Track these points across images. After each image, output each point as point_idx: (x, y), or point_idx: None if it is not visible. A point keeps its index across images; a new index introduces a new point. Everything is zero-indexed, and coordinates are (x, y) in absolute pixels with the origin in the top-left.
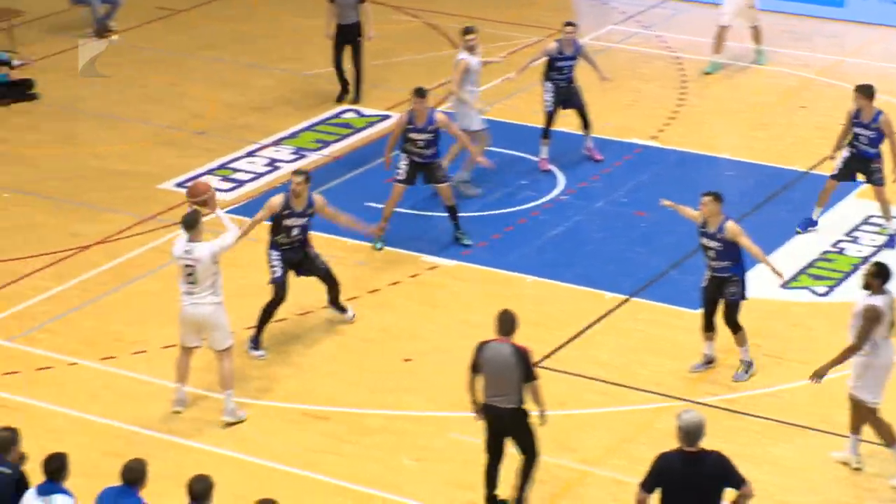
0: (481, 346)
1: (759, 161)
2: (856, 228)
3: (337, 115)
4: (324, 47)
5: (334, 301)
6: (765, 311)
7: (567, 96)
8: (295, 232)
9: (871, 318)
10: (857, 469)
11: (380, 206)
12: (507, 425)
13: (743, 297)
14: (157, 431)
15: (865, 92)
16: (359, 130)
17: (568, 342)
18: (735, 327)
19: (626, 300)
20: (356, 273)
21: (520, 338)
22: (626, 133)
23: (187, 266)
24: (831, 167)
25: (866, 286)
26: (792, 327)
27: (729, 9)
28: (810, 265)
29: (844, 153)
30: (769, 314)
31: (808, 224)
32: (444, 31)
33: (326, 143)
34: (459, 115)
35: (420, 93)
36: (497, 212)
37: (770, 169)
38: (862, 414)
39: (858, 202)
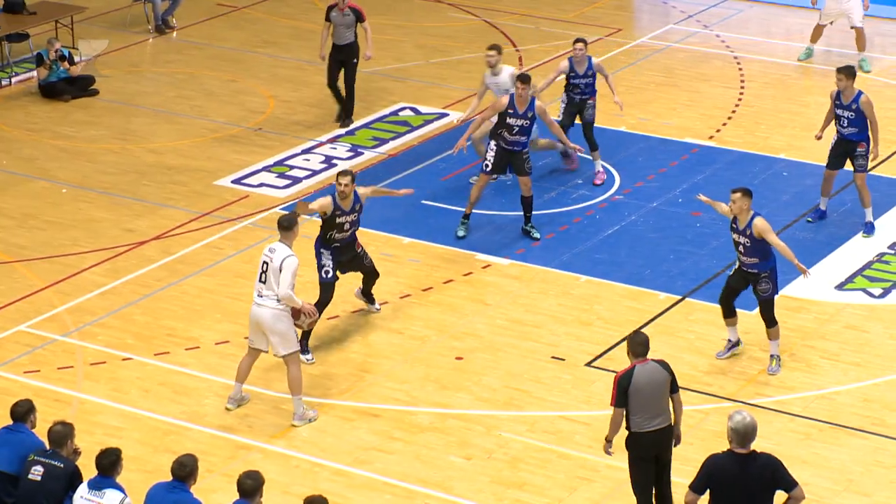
0: (627, 375)
1: (814, 161)
2: None
3: (394, 113)
4: (385, 44)
5: (367, 292)
6: (820, 313)
7: (581, 109)
8: (346, 227)
9: None
10: None
11: (436, 203)
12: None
13: (776, 292)
14: (209, 427)
15: (847, 72)
16: (415, 128)
17: (620, 342)
18: (770, 322)
19: (680, 300)
20: (410, 271)
21: (569, 337)
22: (684, 133)
23: (263, 263)
24: (885, 168)
25: None
26: (846, 329)
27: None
28: (866, 266)
29: (833, 140)
30: (824, 316)
31: (820, 215)
32: (503, 30)
33: (383, 141)
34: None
35: (524, 78)
36: (552, 211)
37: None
38: None
39: None
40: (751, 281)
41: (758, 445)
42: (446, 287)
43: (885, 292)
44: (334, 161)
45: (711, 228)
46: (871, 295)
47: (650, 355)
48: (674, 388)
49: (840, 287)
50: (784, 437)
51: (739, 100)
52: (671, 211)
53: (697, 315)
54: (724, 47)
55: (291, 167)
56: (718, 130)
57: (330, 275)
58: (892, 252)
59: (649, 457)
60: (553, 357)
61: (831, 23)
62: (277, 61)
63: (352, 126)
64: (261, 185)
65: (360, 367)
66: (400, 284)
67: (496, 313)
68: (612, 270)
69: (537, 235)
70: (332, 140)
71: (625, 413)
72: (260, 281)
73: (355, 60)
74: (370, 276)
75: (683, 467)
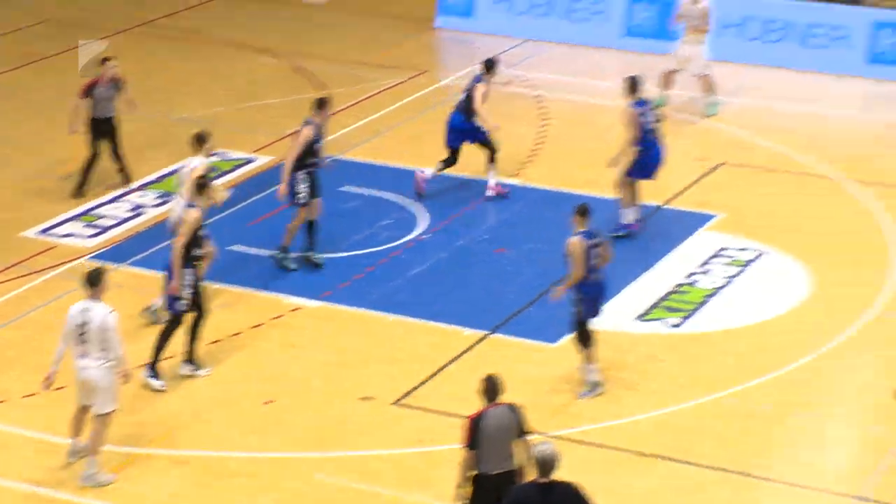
0: (478, 419)
1: (611, 197)
2: (708, 261)
3: None
4: (193, 91)
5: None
6: (620, 344)
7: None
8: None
9: None
10: None
11: (245, 248)
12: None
13: (585, 315)
14: (18, 482)
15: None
16: (224, 174)
17: (428, 379)
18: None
19: (486, 336)
20: (219, 317)
21: (378, 376)
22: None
23: (81, 324)
24: (680, 201)
25: None
26: (646, 359)
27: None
28: (664, 297)
29: None
30: (625, 346)
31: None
32: (309, 74)
33: None
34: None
35: (324, 104)
36: (359, 252)
37: None
38: None
39: (710, 235)
40: None
41: (562, 476)
42: (255, 331)
43: (682, 322)
44: (142, 209)
45: (516, 265)
46: (668, 325)
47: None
48: (522, 432)
49: (640, 318)
50: (588, 466)
51: (542, 138)
52: (476, 249)
53: (502, 350)
54: (527, 86)
55: (100, 216)
56: (523, 168)
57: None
58: (688, 283)
59: (491, 500)
60: (361, 397)
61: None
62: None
63: (161, 172)
64: (68, 235)
65: (171, 413)
66: (209, 330)
67: (305, 355)
68: (420, 309)
69: (319, 262)
70: (141, 187)
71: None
72: (80, 343)
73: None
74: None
75: None
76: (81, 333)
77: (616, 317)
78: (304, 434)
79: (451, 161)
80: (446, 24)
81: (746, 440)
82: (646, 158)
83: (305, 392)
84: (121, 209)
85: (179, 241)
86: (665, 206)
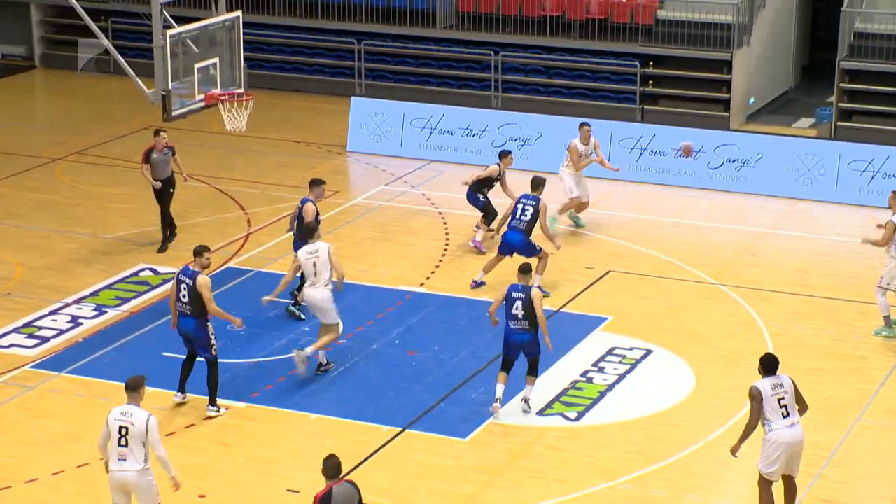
0: (326, 498)
1: None
2: (601, 359)
3: (135, 274)
4: (126, 212)
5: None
6: (525, 436)
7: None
8: None
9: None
10: None
11: (176, 355)
12: None
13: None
14: None
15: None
16: (155, 287)
17: (348, 473)
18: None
19: (401, 432)
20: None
21: (304, 470)
22: (398, 281)
23: (121, 428)
24: (574, 305)
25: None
26: (548, 449)
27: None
28: (563, 393)
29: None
30: (528, 439)
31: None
32: (233, 195)
33: (125, 300)
34: None
35: (316, 183)
36: (283, 356)
37: None
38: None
39: (602, 335)
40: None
41: None
42: (188, 431)
43: (580, 415)
44: (80, 320)
45: (426, 365)
46: (567, 418)
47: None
48: None
49: (541, 413)
50: None
51: (445, 250)
52: (390, 352)
53: (417, 444)
54: (429, 204)
55: (40, 328)
56: (428, 278)
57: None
58: (584, 380)
59: None
60: (288, 490)
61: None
62: (23, 231)
63: (96, 287)
64: (11, 346)
65: None
66: None
67: (236, 452)
68: (339, 408)
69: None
70: (78, 301)
71: None
72: (120, 445)
73: (171, 190)
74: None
75: None
76: (122, 437)
77: (519, 412)
78: None
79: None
80: (356, 149)
81: None
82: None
83: (236, 486)
84: (60, 321)
85: (211, 305)
86: (561, 310)
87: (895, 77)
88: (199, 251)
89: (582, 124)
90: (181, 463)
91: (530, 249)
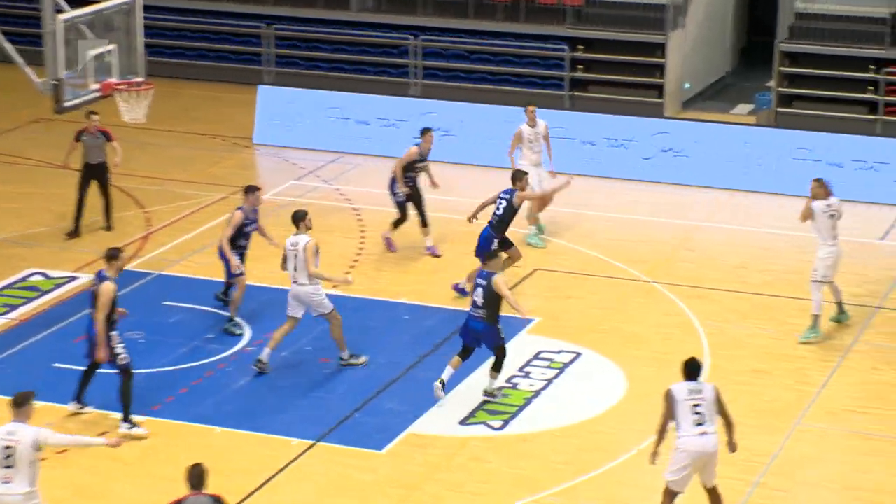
0: None
1: (434, 304)
2: (528, 364)
3: (23, 279)
4: (13, 211)
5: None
6: (445, 447)
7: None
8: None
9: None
10: None
11: (68, 366)
12: None
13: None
14: None
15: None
16: (46, 293)
17: (257, 490)
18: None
19: (312, 445)
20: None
21: (208, 489)
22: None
23: (6, 447)
24: None
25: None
26: (470, 461)
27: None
28: (486, 401)
29: None
30: (450, 450)
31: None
32: (132, 193)
33: (13, 307)
34: None
35: (251, 190)
36: (184, 366)
37: (445, 312)
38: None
39: (528, 338)
40: None
41: None
42: (83, 448)
43: (505, 424)
44: None
45: (339, 373)
46: (491, 427)
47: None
48: None
49: (463, 422)
50: None
51: (361, 249)
52: (300, 359)
53: (330, 457)
54: (344, 200)
55: None
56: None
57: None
58: (509, 385)
59: None
60: None
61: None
62: None
63: None
64: None
65: None
66: None
67: (135, 471)
68: (246, 420)
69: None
70: None
71: None
72: (4, 467)
73: (107, 175)
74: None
75: None
76: (7, 457)
77: (440, 421)
78: None
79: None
80: (264, 141)
81: None
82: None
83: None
84: None
85: (100, 314)
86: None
87: (837, 60)
88: (115, 254)
89: (528, 104)
90: (73, 483)
91: (482, 251)
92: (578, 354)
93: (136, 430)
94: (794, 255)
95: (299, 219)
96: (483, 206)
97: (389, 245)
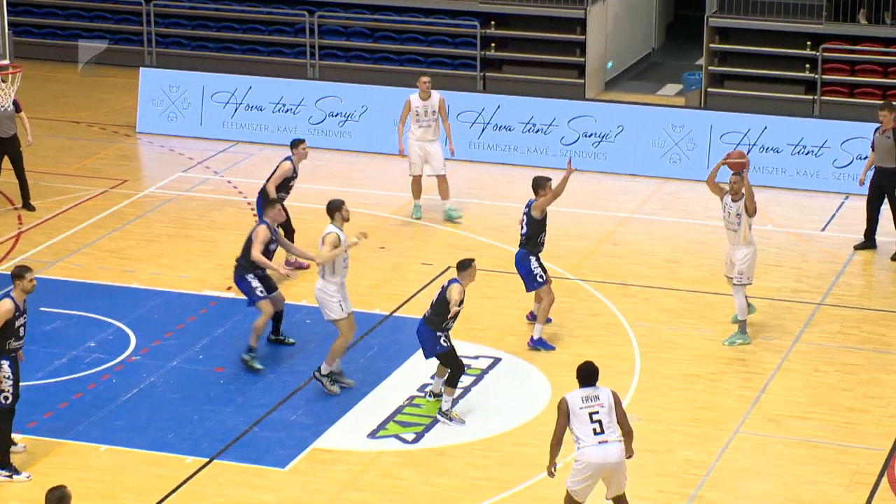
0: None
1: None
2: None
3: None
4: None
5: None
6: (353, 463)
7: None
8: (22, 332)
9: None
10: None
11: None
12: None
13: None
14: None
15: None
16: None
17: None
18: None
19: (208, 463)
20: None
21: None
22: (201, 285)
23: None
24: (409, 308)
25: None
26: (381, 478)
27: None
28: (398, 412)
29: None
30: (358, 466)
31: None
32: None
33: None
34: None
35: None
36: (64, 378)
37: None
38: None
39: None
40: None
41: None
42: None
43: (419, 437)
44: None
45: (236, 384)
46: (404, 441)
47: None
48: None
49: (372, 435)
50: None
51: None
52: (192, 368)
53: (228, 476)
54: (236, 193)
55: None
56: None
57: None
58: (422, 395)
59: None
60: None
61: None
62: None
63: None
64: None
65: None
66: None
67: (7, 495)
68: (134, 437)
69: (292, 341)
70: None
71: None
72: None
73: (19, 149)
74: None
75: None
76: None
77: (347, 435)
78: None
79: None
80: (148, 129)
81: None
82: None
83: None
84: None
85: None
86: (394, 314)
87: (771, 35)
88: (20, 273)
89: (421, 75)
90: None
91: (529, 278)
92: (498, 360)
93: (16, 477)
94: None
95: (335, 209)
96: None
97: (300, 266)
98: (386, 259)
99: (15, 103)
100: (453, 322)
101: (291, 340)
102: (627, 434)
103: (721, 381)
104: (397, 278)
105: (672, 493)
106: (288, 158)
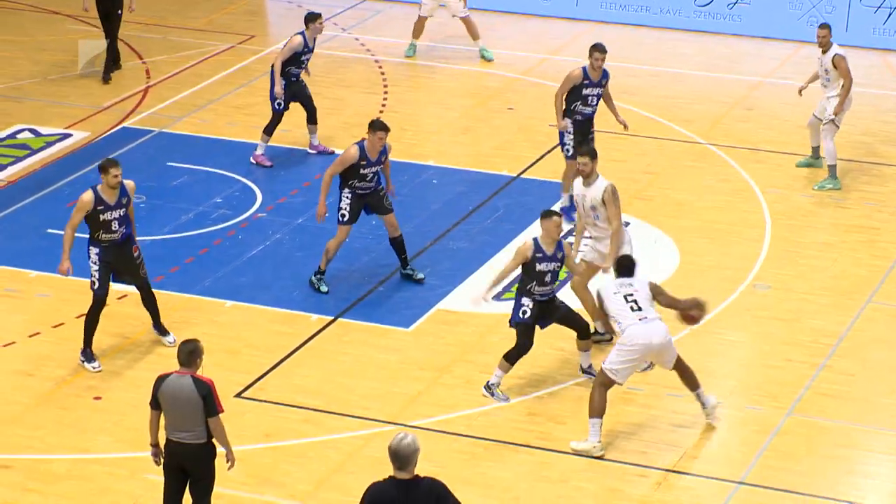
0: (160, 380)
1: (465, 167)
2: (565, 236)
3: (11, 136)
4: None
5: (157, 324)
6: (479, 325)
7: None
8: (114, 226)
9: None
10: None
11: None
12: (191, 462)
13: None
14: None
15: (603, 49)
16: (36, 151)
17: (271, 369)
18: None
19: (332, 321)
20: (39, 307)
21: (218, 367)
22: (328, 142)
23: None
24: (535, 171)
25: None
26: (505, 341)
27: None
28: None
29: (569, 128)
30: (483, 328)
31: (569, 211)
32: (128, 42)
33: (1, 167)
34: None
35: (383, 127)
36: (191, 233)
37: (476, 175)
38: None
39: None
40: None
41: (423, 468)
42: (79, 321)
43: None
44: None
45: (363, 242)
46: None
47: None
48: (210, 411)
49: (498, 297)
50: (449, 458)
51: (384, 105)
52: (318, 226)
53: (352, 336)
54: (364, 51)
55: None
56: (363, 138)
57: (98, 285)
58: None
59: (174, 465)
60: None
61: (431, 16)
62: None
63: None
64: None
65: None
66: (28, 322)
67: (134, 347)
68: (259, 294)
69: (420, 277)
70: None
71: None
72: None
73: (119, 12)
74: (149, 303)
75: (346, 499)
76: None
77: (469, 295)
78: (135, 433)
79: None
80: None
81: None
82: None
83: (136, 386)
84: None
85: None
86: (519, 176)
87: None
88: (105, 167)
89: None
90: (71, 359)
91: None
92: (626, 224)
93: (87, 365)
94: (868, 114)
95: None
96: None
97: (325, 151)
98: (512, 120)
99: None
100: (540, 287)
101: (420, 276)
102: (677, 302)
103: (855, 250)
104: (524, 140)
105: (800, 363)
106: (300, 33)
